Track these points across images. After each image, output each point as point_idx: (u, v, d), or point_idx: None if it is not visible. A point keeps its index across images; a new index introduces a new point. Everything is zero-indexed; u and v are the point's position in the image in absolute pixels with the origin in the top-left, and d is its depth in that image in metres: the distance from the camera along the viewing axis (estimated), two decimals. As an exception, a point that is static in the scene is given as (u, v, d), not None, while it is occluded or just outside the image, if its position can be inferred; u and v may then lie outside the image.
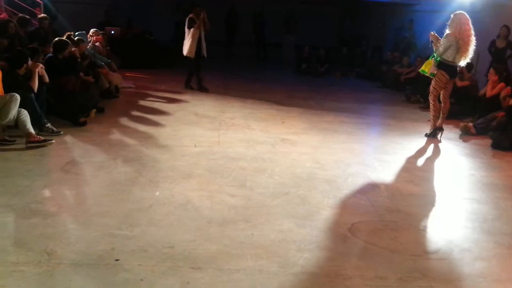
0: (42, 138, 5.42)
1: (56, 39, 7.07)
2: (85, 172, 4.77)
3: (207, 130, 6.62)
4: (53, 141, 5.47)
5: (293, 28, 15.40)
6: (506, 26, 8.95)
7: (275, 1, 16.49)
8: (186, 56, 9.37)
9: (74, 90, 6.79)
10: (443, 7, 11.02)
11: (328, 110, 8.61)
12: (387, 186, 4.92)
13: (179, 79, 10.70)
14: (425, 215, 4.28)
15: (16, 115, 5.32)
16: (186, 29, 9.36)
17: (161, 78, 10.70)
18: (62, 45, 6.90)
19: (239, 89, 10.06)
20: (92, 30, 9.15)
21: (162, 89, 9.47)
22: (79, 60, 7.25)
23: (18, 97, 5.40)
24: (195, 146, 5.81)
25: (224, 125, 6.98)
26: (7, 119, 5.26)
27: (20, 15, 8.74)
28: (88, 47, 8.34)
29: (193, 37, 9.22)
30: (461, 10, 6.84)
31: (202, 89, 9.48)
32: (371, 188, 4.81)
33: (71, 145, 5.56)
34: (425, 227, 4.02)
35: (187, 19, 9.37)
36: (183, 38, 14.39)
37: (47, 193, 4.25)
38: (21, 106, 5.62)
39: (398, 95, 10.74)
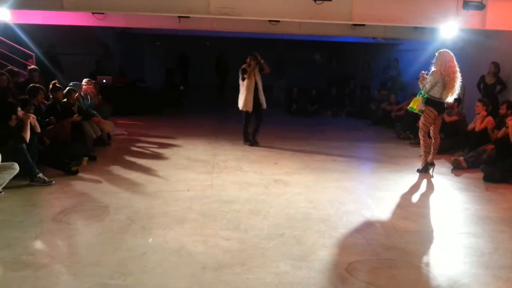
0: None
1: (30, 85, 7.21)
2: (77, 221, 4.71)
3: (200, 174, 6.61)
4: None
5: (282, 72, 15.71)
6: (494, 63, 9.21)
7: (262, 45, 16.87)
8: (242, 110, 8.59)
9: (67, 138, 6.82)
10: (426, 45, 11.35)
11: (320, 149, 8.67)
12: (382, 224, 4.89)
13: (170, 124, 10.80)
14: (422, 251, 4.25)
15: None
16: (240, 81, 8.60)
17: (153, 124, 10.77)
18: (34, 90, 7.09)
19: (230, 132, 10.12)
20: (84, 80, 9.27)
21: (155, 135, 9.49)
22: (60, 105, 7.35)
23: (17, 168, 5.44)
24: (188, 191, 5.78)
25: (216, 168, 6.98)
26: None
27: (9, 67, 8.86)
28: (80, 95, 8.41)
29: (247, 89, 8.41)
30: (443, 47, 7.05)
31: (254, 143, 8.66)
32: (367, 226, 4.78)
33: (62, 195, 5.51)
34: (423, 263, 3.97)
35: (240, 70, 8.62)
36: (173, 84, 14.70)
37: (38, 244, 4.18)
38: (12, 156, 5.63)
39: (388, 132, 10.87)
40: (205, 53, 18.10)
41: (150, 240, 4.24)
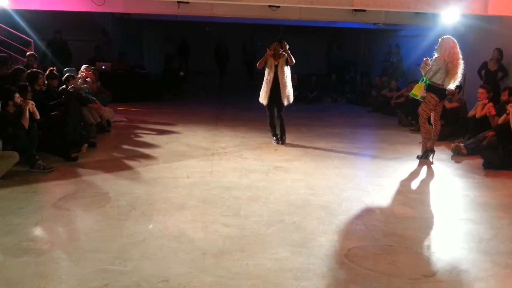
0: None
1: (28, 71, 7.16)
2: (78, 207, 4.72)
3: (200, 161, 6.61)
4: None
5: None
6: (498, 50, 9.13)
7: (262, 31, 16.77)
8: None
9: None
10: (427, 31, 11.28)
11: (320, 136, 8.66)
12: (382, 210, 4.90)
13: (170, 111, 10.78)
14: (421, 237, 4.26)
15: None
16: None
17: (153, 111, 10.74)
18: (34, 76, 7.00)
19: (230, 119, 10.11)
20: (83, 67, 9.22)
21: (155, 121, 9.47)
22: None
23: (17, 157, 5.43)
24: (188, 177, 5.78)
25: (216, 155, 6.98)
26: None
27: (5, 54, 8.80)
28: (78, 82, 8.37)
29: (265, 79, 7.63)
30: (445, 33, 7.00)
31: (280, 140, 7.80)
32: (366, 213, 4.79)
33: (63, 181, 5.52)
34: (422, 249, 3.99)
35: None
36: (173, 71, 14.64)
37: (39, 230, 4.19)
38: (12, 143, 5.63)
39: (388, 118, 10.85)
40: (205, 39, 17.99)
41: (151, 226, 4.25)
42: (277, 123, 7.87)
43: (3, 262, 3.55)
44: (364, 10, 9.56)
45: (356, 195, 5.30)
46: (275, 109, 7.74)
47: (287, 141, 7.94)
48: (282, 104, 7.64)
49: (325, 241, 4.06)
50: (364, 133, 9.59)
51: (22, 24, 10.59)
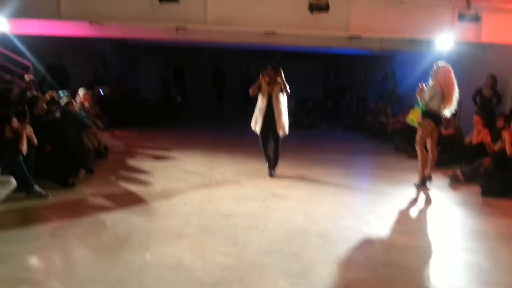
0: None
1: (28, 95, 7.20)
2: (74, 236, 4.67)
3: (197, 187, 6.58)
4: None
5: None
6: (492, 76, 9.25)
7: (259, 56, 16.95)
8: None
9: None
10: (421, 57, 11.43)
11: (317, 162, 8.67)
12: (381, 239, 4.88)
13: (167, 136, 10.79)
14: (421, 268, 4.23)
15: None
16: None
17: (150, 136, 10.75)
18: (34, 100, 7.03)
19: (228, 144, 10.12)
20: (81, 91, 9.25)
21: (152, 146, 9.46)
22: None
23: (14, 183, 5.39)
24: (185, 204, 5.75)
25: (214, 181, 6.96)
26: None
27: (5, 78, 8.85)
28: (76, 107, 8.38)
29: (258, 106, 7.23)
30: (439, 60, 7.10)
31: (270, 173, 7.41)
32: (365, 242, 4.76)
33: (59, 208, 5.47)
34: (422, 280, 3.96)
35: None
36: (170, 96, 14.72)
37: (35, 259, 4.15)
38: (9, 168, 5.59)
39: (385, 144, 10.89)
40: (202, 64, 18.16)
41: (148, 256, 4.20)
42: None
43: (-3, 293, 3.50)
44: (360, 37, 9.71)
45: (355, 224, 5.27)
46: (272, 139, 7.35)
47: (284, 167, 7.94)
48: (278, 134, 7.23)
49: (324, 271, 4.02)
50: (361, 159, 9.62)
51: (22, 48, 10.67)
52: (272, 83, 7.13)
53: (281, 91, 7.16)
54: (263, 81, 7.13)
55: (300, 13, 7.46)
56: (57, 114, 7.31)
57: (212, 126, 13.37)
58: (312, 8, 7.17)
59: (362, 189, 7.18)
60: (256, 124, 7.27)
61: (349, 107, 15.57)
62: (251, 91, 7.22)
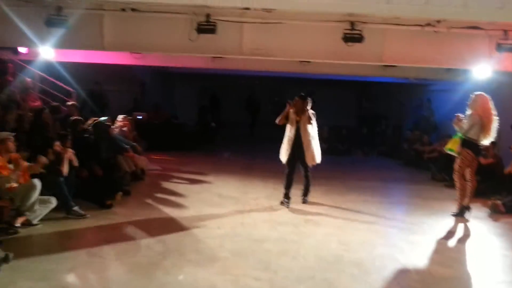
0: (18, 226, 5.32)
1: (72, 118, 7.51)
2: (110, 255, 4.77)
3: (231, 211, 6.62)
4: None
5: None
6: None
7: (292, 83, 17.08)
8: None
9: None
10: (459, 86, 11.24)
11: (351, 189, 8.56)
12: (417, 269, 4.75)
13: (202, 161, 10.93)
14: (460, 300, 4.09)
15: (35, 202, 5.44)
16: None
17: (186, 160, 10.91)
18: (76, 123, 7.35)
19: (261, 169, 10.14)
20: (120, 117, 9.55)
21: (188, 171, 9.58)
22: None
23: (37, 185, 5.57)
24: (219, 228, 5.78)
25: (247, 205, 6.98)
26: (25, 207, 5.37)
27: (54, 104, 9.25)
28: (115, 132, 8.67)
29: (287, 136, 7.05)
30: (477, 89, 7.00)
31: (302, 200, 7.26)
32: (401, 271, 4.64)
33: (97, 228, 5.61)
34: (461, 313, 3.82)
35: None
36: (205, 122, 14.98)
37: (72, 277, 4.26)
38: (50, 189, 5.80)
39: (421, 173, 10.66)
40: (237, 91, 18.44)
41: (181, 277, 4.24)
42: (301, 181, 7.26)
43: (36, 308, 3.60)
44: (395, 66, 9.67)
45: (390, 252, 5.16)
46: (301, 168, 7.12)
47: (318, 193, 7.88)
48: (306, 164, 7.04)
49: (359, 300, 3.94)
50: (396, 187, 9.45)
51: (65, 75, 11.15)
52: (300, 112, 6.93)
53: (309, 122, 6.94)
54: (291, 110, 6.96)
55: (335, 44, 7.50)
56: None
57: (245, 151, 13.46)
58: (347, 38, 7.23)
59: (398, 217, 7.02)
60: (284, 154, 7.08)
61: (384, 135, 15.37)
62: (277, 120, 7.05)
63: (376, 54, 7.91)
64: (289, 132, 7.05)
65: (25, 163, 5.67)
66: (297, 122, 6.95)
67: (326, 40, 7.72)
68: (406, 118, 15.54)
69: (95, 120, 7.90)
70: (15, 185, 5.24)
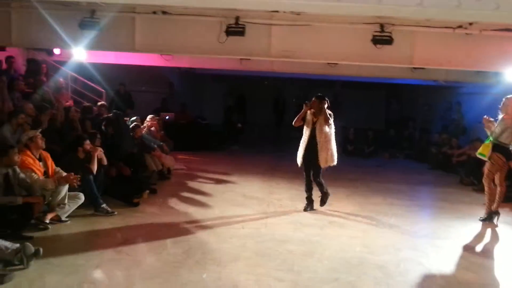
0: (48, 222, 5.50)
1: (104, 117, 7.72)
2: (136, 252, 4.88)
3: (255, 212, 6.67)
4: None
5: (338, 112, 15.72)
6: None
7: (319, 85, 17.02)
8: None
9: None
10: (489, 89, 11.00)
11: (377, 191, 8.49)
12: (442, 274, 4.69)
13: (228, 161, 11.02)
14: (486, 306, 4.02)
15: (64, 198, 5.62)
16: None
17: (211, 160, 11.03)
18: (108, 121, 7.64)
19: (286, 170, 10.14)
20: (149, 117, 9.75)
21: (213, 170, 9.68)
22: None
23: (82, 198, 5.85)
24: (243, 228, 5.84)
25: (271, 206, 7.02)
26: (55, 202, 5.57)
27: (85, 104, 9.51)
28: (143, 132, 8.84)
29: (303, 138, 6.92)
30: (508, 91, 6.84)
31: (321, 202, 6.98)
32: (425, 276, 4.60)
33: (123, 226, 5.74)
34: (487, 319, 3.76)
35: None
36: (231, 122, 15.09)
37: (99, 273, 4.38)
38: (80, 186, 5.97)
39: (449, 177, 10.46)
40: (263, 92, 18.49)
41: (204, 275, 4.30)
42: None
43: (65, 301, 3.72)
44: (424, 68, 9.53)
45: (414, 256, 5.11)
46: (312, 172, 6.86)
47: (343, 195, 7.86)
48: (318, 167, 6.72)
49: (381, 303, 3.92)
50: (423, 190, 9.31)
51: (96, 75, 11.44)
52: (317, 113, 6.73)
53: (326, 122, 6.70)
54: (308, 111, 6.79)
55: (363, 45, 7.47)
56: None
57: (270, 152, 13.50)
58: (376, 41, 7.18)
59: (424, 221, 6.93)
60: (299, 156, 6.87)
61: (412, 137, 15.14)
62: (294, 121, 6.87)
63: (406, 56, 7.83)
64: (304, 133, 6.86)
65: (55, 168, 5.88)
66: (314, 123, 6.76)
67: (355, 42, 7.68)
68: (434, 121, 15.27)
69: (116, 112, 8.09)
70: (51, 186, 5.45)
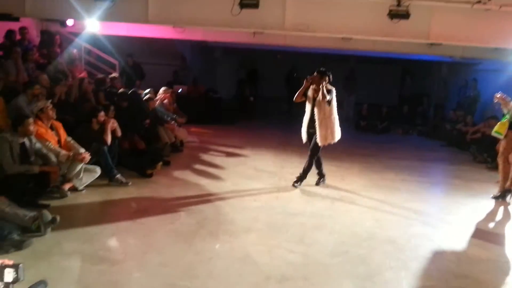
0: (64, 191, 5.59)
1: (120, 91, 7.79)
2: (150, 222, 4.97)
3: (267, 185, 6.71)
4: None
5: (352, 88, 15.59)
6: None
7: (333, 60, 16.84)
8: None
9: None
10: (507, 66, 10.78)
11: (389, 167, 8.47)
12: (453, 250, 4.71)
13: (240, 134, 11.04)
14: (496, 282, 4.05)
15: (81, 170, 5.71)
16: None
17: (223, 134, 11.05)
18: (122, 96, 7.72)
19: (298, 144, 10.09)
20: (162, 89, 9.75)
21: (225, 144, 9.73)
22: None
23: (99, 172, 5.97)
24: (255, 201, 5.90)
25: (283, 180, 7.05)
26: (71, 175, 5.65)
27: (99, 76, 9.53)
28: (156, 104, 8.86)
29: (305, 114, 6.78)
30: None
31: (296, 181, 6.76)
32: (436, 251, 4.62)
33: (138, 196, 5.83)
34: (496, 295, 3.79)
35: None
36: (244, 96, 15.05)
37: (114, 241, 4.47)
38: (95, 157, 6.05)
39: (462, 154, 10.38)
40: (276, 66, 18.34)
41: (217, 246, 4.38)
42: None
43: (82, 268, 3.82)
44: (440, 44, 9.35)
45: (425, 232, 5.13)
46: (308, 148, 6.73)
47: (355, 171, 7.86)
48: (316, 143, 6.53)
49: (391, 277, 3.97)
50: (436, 167, 9.27)
51: (109, 47, 11.42)
52: (319, 89, 6.43)
53: (323, 99, 6.35)
54: (311, 87, 6.53)
55: (379, 20, 7.32)
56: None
57: (283, 126, 13.47)
58: (392, 15, 7.04)
59: (436, 197, 6.94)
60: (303, 132, 6.79)
61: (426, 114, 14.98)
62: (295, 97, 6.66)
63: (423, 31, 7.66)
64: (306, 109, 6.68)
65: (66, 137, 5.98)
66: (314, 100, 6.51)
67: (371, 16, 7.53)
68: (449, 98, 15.07)
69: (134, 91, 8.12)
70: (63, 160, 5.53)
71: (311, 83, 6.51)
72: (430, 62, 15.72)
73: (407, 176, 7.82)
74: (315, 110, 6.48)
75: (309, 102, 6.63)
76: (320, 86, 6.35)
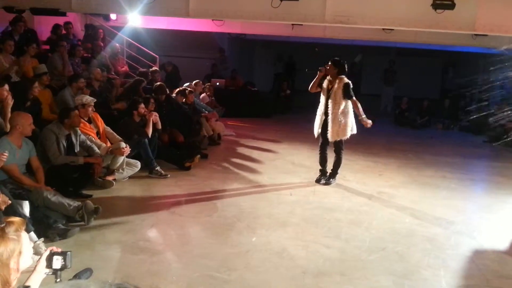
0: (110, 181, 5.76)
1: (156, 84, 7.93)
2: (189, 214, 5.07)
3: (303, 180, 6.70)
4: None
5: (391, 80, 15.28)
6: None
7: (373, 53, 16.54)
8: None
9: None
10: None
11: (429, 163, 8.28)
12: (495, 249, 4.58)
13: (277, 128, 11.04)
14: (541, 284, 3.91)
15: (122, 163, 5.89)
16: None
17: (260, 127, 11.09)
18: (161, 89, 7.80)
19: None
20: (194, 82, 9.87)
21: (262, 137, 9.76)
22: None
23: (139, 166, 6.15)
24: (291, 195, 5.91)
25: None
26: (113, 167, 5.86)
27: (142, 70, 9.75)
28: (195, 97, 9.00)
29: (319, 106, 6.53)
30: None
31: (323, 179, 6.54)
32: (477, 250, 4.51)
33: (176, 188, 5.96)
34: (541, 298, 3.67)
35: None
36: (280, 90, 15.02)
37: (154, 232, 4.59)
38: (135, 149, 6.22)
39: (507, 151, 10.03)
40: (314, 59, 18.19)
41: (254, 239, 4.43)
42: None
43: (123, 257, 3.95)
44: (486, 35, 9.02)
45: (467, 230, 5.01)
46: (327, 145, 6.48)
47: (393, 166, 7.73)
48: (336, 141, 6.27)
49: (430, 275, 3.91)
50: (478, 164, 8.99)
51: (149, 41, 11.64)
52: (334, 80, 6.19)
53: (345, 93, 6.08)
54: (321, 76, 6.28)
55: (422, 10, 7.13)
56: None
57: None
58: (436, 5, 6.83)
59: (478, 195, 6.75)
60: (315, 126, 6.50)
61: (468, 109, 14.52)
62: (310, 87, 6.45)
63: (468, 22, 7.41)
64: (320, 101, 6.41)
65: (105, 127, 6.19)
66: (329, 91, 6.22)
67: (414, 7, 7.35)
68: (494, 92, 14.53)
69: (183, 88, 8.26)
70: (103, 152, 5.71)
71: (325, 74, 6.28)
72: (473, 54, 15.19)
73: (448, 173, 7.62)
74: (329, 102, 6.19)
75: (323, 94, 6.36)
76: (337, 77, 6.12)
